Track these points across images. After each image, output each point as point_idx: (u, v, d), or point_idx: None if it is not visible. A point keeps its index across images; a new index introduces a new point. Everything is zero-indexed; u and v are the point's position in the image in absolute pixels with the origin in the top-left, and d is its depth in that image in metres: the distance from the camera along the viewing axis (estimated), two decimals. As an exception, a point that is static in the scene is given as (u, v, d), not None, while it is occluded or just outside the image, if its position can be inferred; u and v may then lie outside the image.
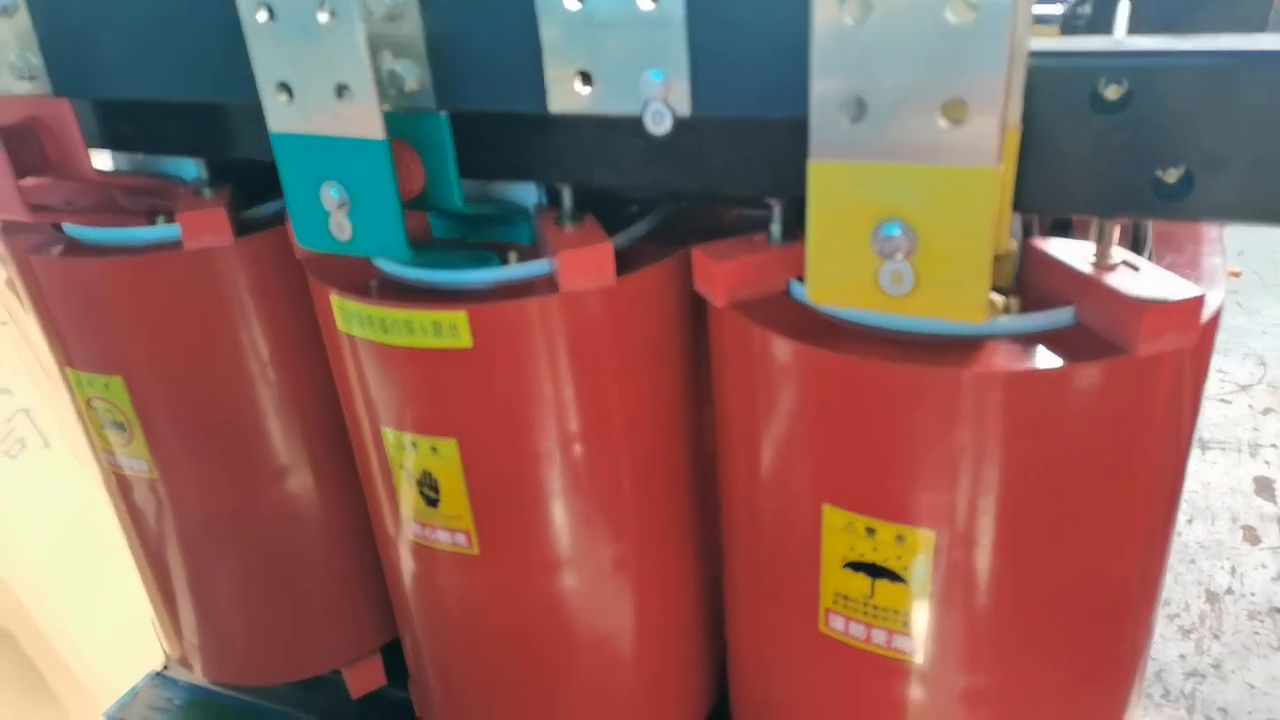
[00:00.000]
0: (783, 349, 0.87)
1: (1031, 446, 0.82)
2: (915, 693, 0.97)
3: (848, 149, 0.71)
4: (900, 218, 0.71)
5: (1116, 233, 0.84)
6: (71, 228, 1.27)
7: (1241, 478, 2.19)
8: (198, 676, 1.59)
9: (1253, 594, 1.97)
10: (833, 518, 0.90)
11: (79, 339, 1.27)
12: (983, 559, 0.87)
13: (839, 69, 0.69)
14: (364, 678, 1.56)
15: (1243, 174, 0.73)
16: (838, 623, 0.96)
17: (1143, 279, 0.81)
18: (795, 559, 0.97)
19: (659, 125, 0.83)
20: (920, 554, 0.88)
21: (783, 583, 1.00)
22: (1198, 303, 0.78)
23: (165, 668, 1.77)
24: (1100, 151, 0.76)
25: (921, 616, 0.91)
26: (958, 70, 0.66)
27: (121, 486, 1.41)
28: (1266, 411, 2.47)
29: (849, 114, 0.70)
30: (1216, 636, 1.86)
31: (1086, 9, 0.96)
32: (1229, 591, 1.97)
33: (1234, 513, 2.12)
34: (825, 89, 0.70)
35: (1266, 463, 2.32)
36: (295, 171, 0.93)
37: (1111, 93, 0.75)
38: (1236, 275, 3.59)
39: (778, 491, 0.97)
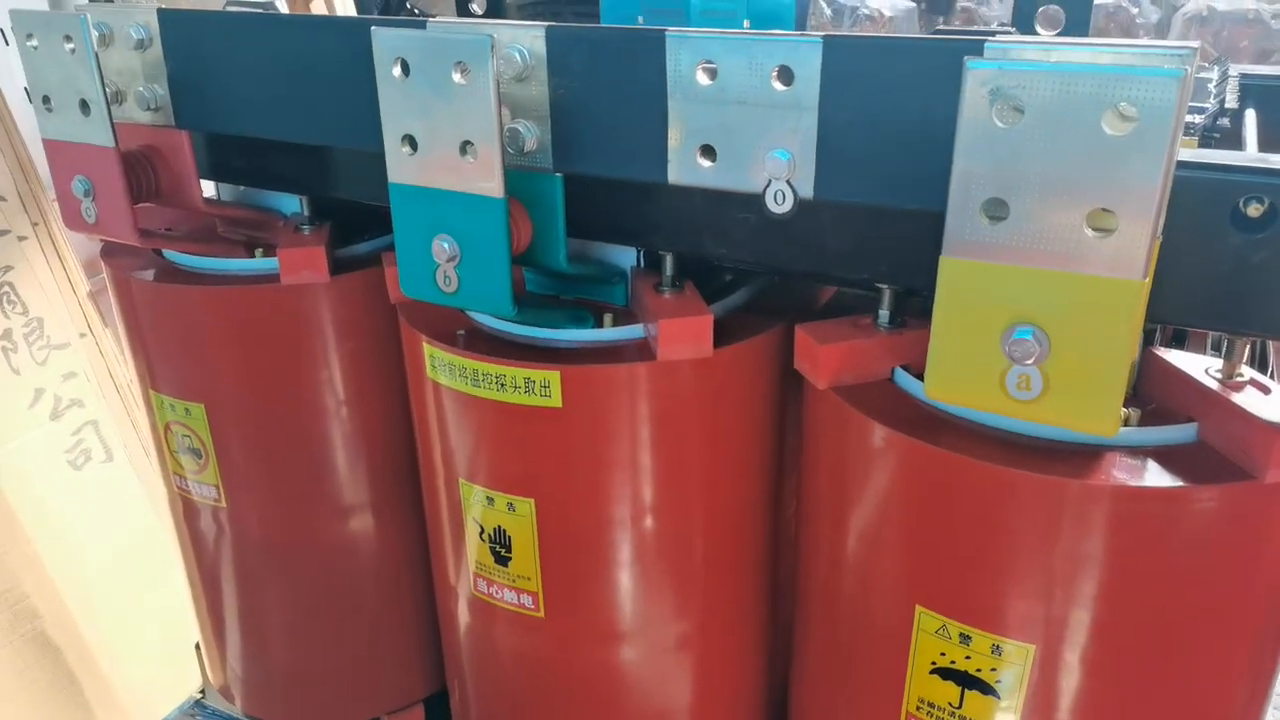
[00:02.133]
0: (888, 439, 0.85)
1: (1142, 566, 0.79)
2: (994, 810, 0.92)
3: (984, 249, 0.69)
4: (1034, 322, 0.69)
5: (1246, 351, 0.82)
6: (170, 253, 1.29)
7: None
8: (237, 708, 1.58)
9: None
10: (926, 620, 0.87)
11: (167, 363, 1.28)
12: (1082, 679, 0.83)
13: (983, 170, 0.68)
14: (404, 727, 1.54)
15: (1391, 305, 0.71)
16: (918, 727, 0.92)
17: (1274, 401, 0.78)
18: (879, 658, 0.93)
19: (780, 205, 0.83)
20: (1017, 667, 0.84)
21: (861, 680, 0.97)
22: (1332, 432, 0.75)
23: (203, 694, 1.75)
24: (1238, 268, 0.74)
25: (1010, 731, 0.87)
26: (1110, 181, 0.64)
27: (187, 511, 1.41)
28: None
29: (989, 214, 0.69)
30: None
31: (1225, 122, 0.95)
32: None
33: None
34: (967, 188, 0.69)
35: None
36: (409, 222, 0.94)
37: (1253, 210, 0.73)
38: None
39: (866, 585, 0.94)
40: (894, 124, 0.76)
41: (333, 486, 1.35)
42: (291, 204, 1.30)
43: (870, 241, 0.88)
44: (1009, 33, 0.78)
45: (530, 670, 1.18)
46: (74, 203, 1.15)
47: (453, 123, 0.86)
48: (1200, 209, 0.73)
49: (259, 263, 1.23)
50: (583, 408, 1.00)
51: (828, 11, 5.81)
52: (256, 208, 1.30)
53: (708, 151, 0.84)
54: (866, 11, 6.34)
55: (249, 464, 1.31)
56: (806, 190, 0.81)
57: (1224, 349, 0.82)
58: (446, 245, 0.92)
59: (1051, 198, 0.66)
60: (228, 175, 1.26)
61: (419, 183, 0.91)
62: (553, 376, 0.98)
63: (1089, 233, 0.66)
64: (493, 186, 0.87)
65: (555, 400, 0.99)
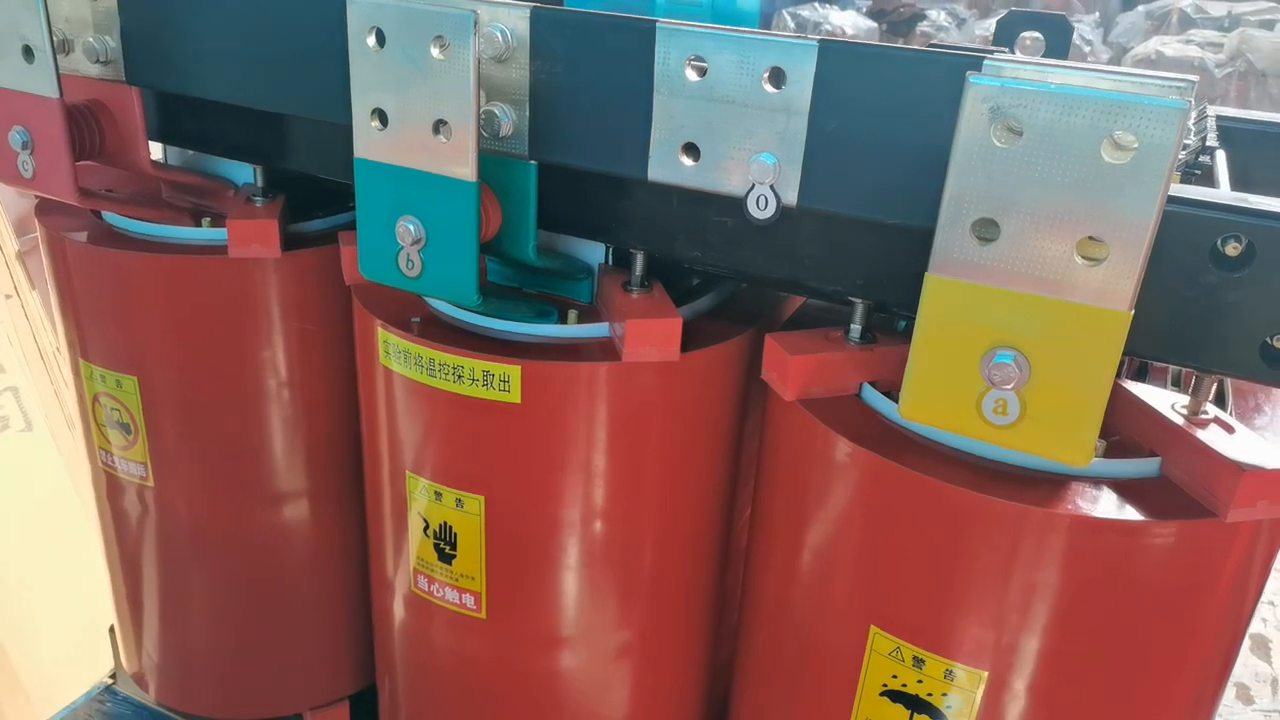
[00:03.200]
0: (853, 455, 0.84)
1: (1100, 598, 0.79)
2: (935, 836, 0.91)
3: (972, 270, 0.68)
4: (1016, 347, 0.68)
5: (1212, 388, 0.82)
6: (110, 216, 1.22)
7: (1238, 635, 2.15)
8: (150, 697, 1.51)
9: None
10: (880, 642, 0.86)
11: (100, 332, 1.22)
12: (1032, 708, 0.83)
13: (976, 189, 0.66)
14: (327, 723, 1.48)
15: (1361, 353, 0.71)
16: (864, 751, 0.91)
17: (1238, 441, 0.78)
18: (827, 677, 0.92)
19: (762, 211, 0.81)
20: (968, 692, 0.83)
21: (808, 699, 0.95)
22: (1295, 474, 0.75)
23: (114, 680, 1.67)
24: (1212, 306, 0.74)
25: (956, 758, 0.86)
26: (1104, 209, 0.64)
27: (111, 488, 1.34)
28: (1263, 569, 2.45)
29: (979, 234, 0.67)
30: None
31: (1207, 159, 0.95)
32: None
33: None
34: (959, 206, 0.67)
35: (1263, 620, 2.30)
36: (373, 200, 0.89)
37: (1232, 249, 0.73)
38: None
39: (819, 601, 0.92)
40: (885, 136, 0.75)
41: (268, 472, 1.29)
42: (244, 174, 1.24)
43: (848, 254, 0.87)
44: (1003, 52, 0.77)
45: (467, 672, 1.14)
46: (10, 155, 1.08)
47: (427, 99, 0.82)
48: (1180, 244, 0.73)
49: (206, 232, 1.17)
50: (542, 405, 0.97)
51: (790, 24, 5.85)
52: (206, 175, 1.24)
53: (690, 150, 0.82)
54: (829, 28, 6.41)
55: (181, 443, 1.25)
56: (790, 197, 0.79)
57: (1191, 385, 0.82)
58: (412, 227, 0.88)
59: (1044, 222, 0.65)
60: (178, 138, 1.20)
61: (387, 160, 0.87)
62: (513, 371, 0.95)
63: (1079, 260, 0.65)
64: (465, 170, 0.84)
65: (514, 396, 0.96)
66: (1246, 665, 2.16)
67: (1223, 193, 0.80)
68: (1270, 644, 2.23)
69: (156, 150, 1.28)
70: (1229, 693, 2.10)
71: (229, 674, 1.43)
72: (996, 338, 0.69)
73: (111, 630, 1.70)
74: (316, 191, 1.25)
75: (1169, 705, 0.86)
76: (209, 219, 1.19)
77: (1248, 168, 1.14)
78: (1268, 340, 0.73)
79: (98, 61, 1.07)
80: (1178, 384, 0.94)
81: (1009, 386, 0.69)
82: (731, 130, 0.80)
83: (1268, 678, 2.18)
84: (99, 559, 1.62)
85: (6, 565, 1.77)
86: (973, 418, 0.72)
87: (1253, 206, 0.72)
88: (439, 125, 0.83)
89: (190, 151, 1.28)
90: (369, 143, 0.87)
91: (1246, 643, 2.24)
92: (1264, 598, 2.38)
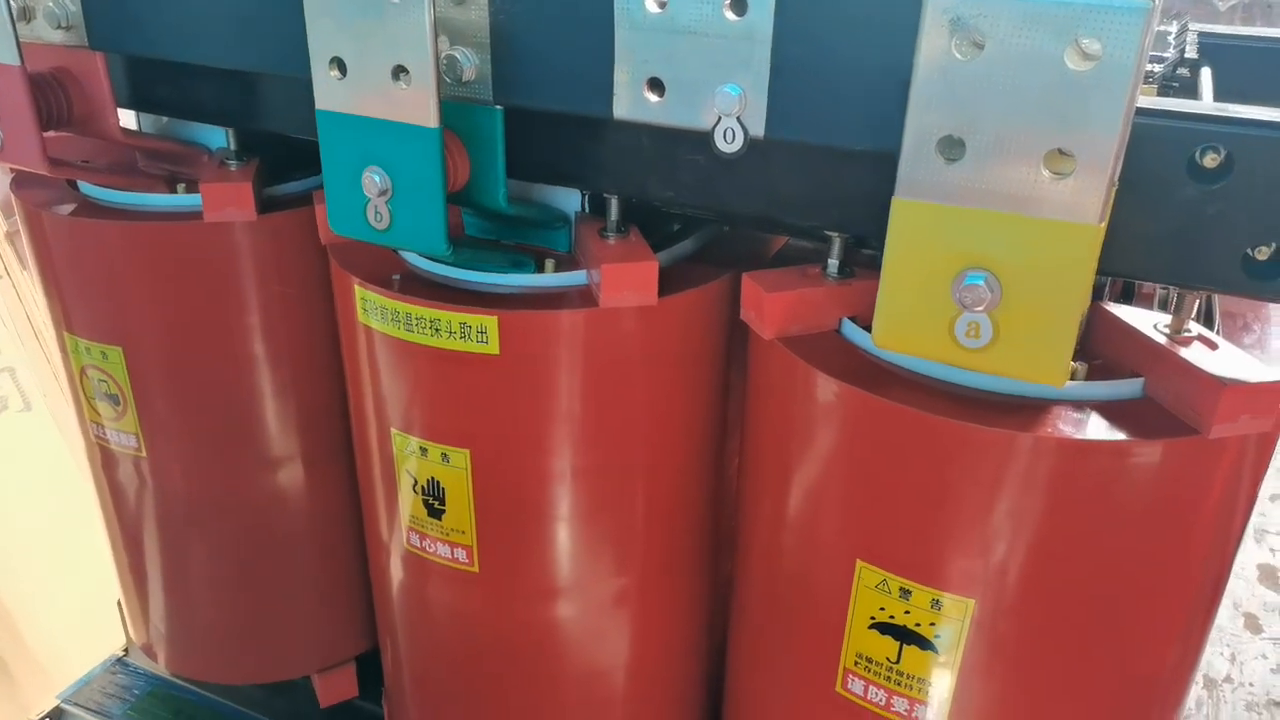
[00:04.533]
0: (833, 390, 0.83)
1: (1085, 520, 0.78)
2: (929, 766, 0.92)
3: (938, 190, 0.67)
4: (987, 268, 0.67)
5: (1195, 306, 0.80)
6: (87, 187, 1.21)
7: (1245, 564, 2.15)
8: (160, 666, 1.52)
9: (1251, 684, 1.93)
10: (866, 575, 0.86)
11: (82, 303, 1.21)
12: (1020, 633, 0.82)
13: (940, 106, 0.65)
14: (335, 686, 1.50)
15: (1343, 259, 0.69)
16: (857, 686, 0.91)
17: (1220, 357, 0.77)
18: (818, 613, 0.92)
19: (730, 144, 0.79)
20: (955, 621, 0.83)
21: (800, 637, 0.95)
22: (1278, 386, 0.74)
23: (126, 653, 1.69)
24: (1191, 221, 0.73)
25: (947, 687, 0.86)
26: (1071, 121, 0.62)
27: (105, 461, 1.34)
28: (1274, 498, 2.44)
29: (945, 154, 0.66)
30: (1204, 734, 1.83)
31: (1185, 72, 0.93)
32: (1228, 680, 1.93)
33: (1236, 599, 2.08)
34: (923, 125, 0.66)
35: (1272, 550, 2.29)
36: (338, 153, 0.88)
37: (1210, 161, 0.71)
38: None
39: (807, 539, 0.92)
40: (851, 59, 0.73)
41: (260, 436, 1.30)
42: (218, 138, 1.23)
43: (821, 187, 0.85)
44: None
45: (464, 627, 1.15)
46: (-23, 128, 1.07)
47: (385, 45, 0.81)
48: (1156, 158, 0.71)
49: (181, 198, 1.16)
50: (521, 355, 0.96)
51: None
52: (179, 141, 1.23)
53: (655, 85, 0.80)
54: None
55: (169, 411, 1.25)
56: (757, 128, 0.78)
57: (1173, 304, 0.81)
58: (378, 179, 0.87)
59: (1009, 137, 0.64)
60: (149, 104, 1.18)
61: (348, 110, 0.86)
62: (490, 322, 0.94)
63: (1045, 174, 0.64)
64: (427, 116, 0.82)
65: (493, 347, 0.95)
66: (1255, 595, 2.16)
67: (1200, 103, 0.78)
68: (1279, 574, 2.23)
69: (131, 120, 1.27)
70: (1238, 622, 2.09)
71: (235, 640, 1.45)
72: (967, 259, 0.67)
73: (120, 603, 1.72)
74: (292, 153, 1.24)
75: (1160, 626, 0.85)
76: (184, 185, 1.18)
77: (1242, 85, 1.12)
78: (1249, 252, 0.72)
79: (60, 27, 1.05)
80: (1165, 307, 0.93)
81: (980, 309, 0.68)
82: (695, 62, 0.78)
83: (1276, 606, 2.18)
84: (104, 533, 1.63)
85: (13, 544, 1.78)
86: (946, 343, 0.70)
87: (1230, 115, 0.70)
88: (398, 72, 0.82)
89: (164, 119, 1.27)
90: (329, 93, 0.86)
91: (1255, 573, 2.23)
92: (1275, 528, 2.37)
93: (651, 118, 0.81)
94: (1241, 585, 2.14)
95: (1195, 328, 0.81)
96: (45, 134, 1.07)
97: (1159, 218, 0.73)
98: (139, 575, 1.43)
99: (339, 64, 0.84)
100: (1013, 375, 0.70)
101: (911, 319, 0.71)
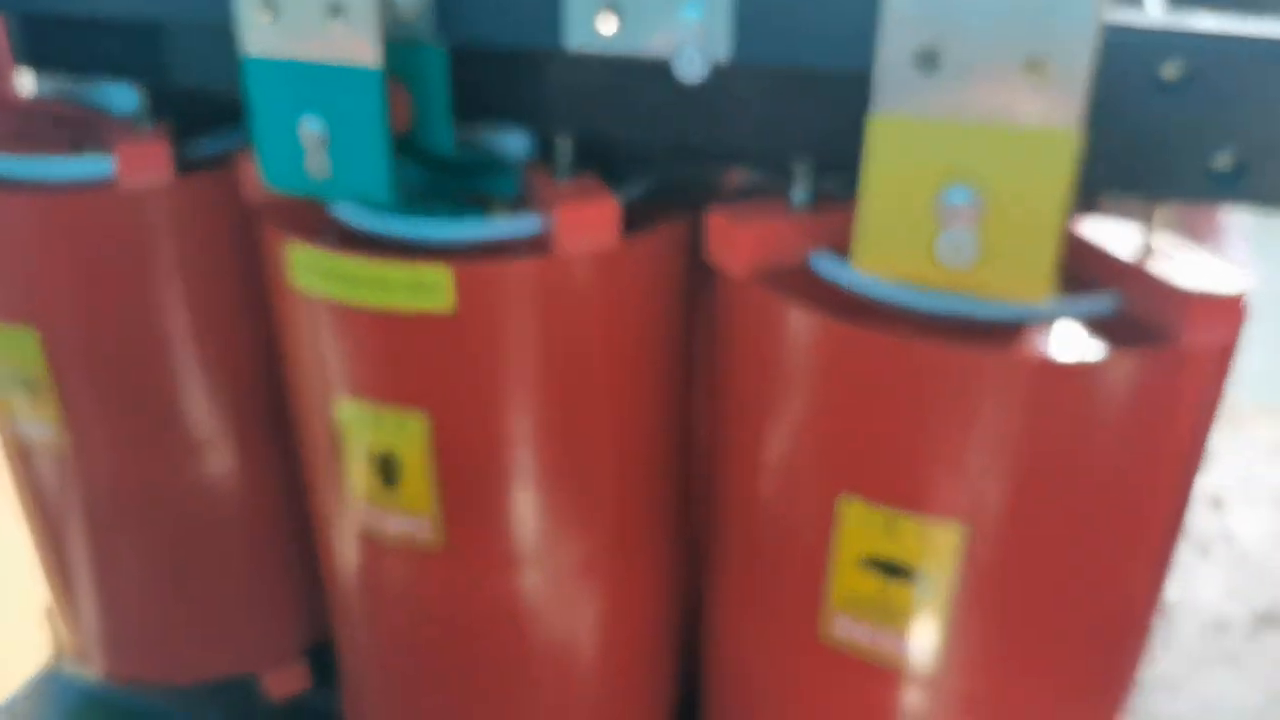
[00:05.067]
0: (810, 324, 0.81)
1: (1066, 436, 0.78)
2: (918, 698, 0.91)
3: (917, 104, 0.65)
4: (967, 181, 0.66)
5: (1162, 219, 0.81)
6: (-20, 159, 1.12)
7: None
8: (96, 672, 1.44)
9: (1203, 609, 2.01)
10: (851, 510, 0.84)
11: (-16, 284, 1.12)
12: (1009, 555, 0.82)
13: (915, 17, 0.63)
14: (286, 681, 1.44)
15: (1301, 162, 0.70)
16: (843, 623, 0.90)
17: (1187, 269, 0.77)
18: (802, 554, 0.90)
19: (691, 70, 0.76)
20: (943, 551, 0.82)
21: (785, 580, 0.94)
22: (1243, 296, 0.75)
23: (57, 663, 1.60)
24: (1157, 133, 0.73)
25: (935, 619, 0.86)
26: (1046, 24, 0.61)
27: (20, 455, 1.25)
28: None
29: (921, 66, 0.64)
30: (1168, 650, 1.88)
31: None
32: (1179, 605, 2.00)
33: (1186, 527, 2.15)
34: (897, 37, 0.64)
35: (1219, 479, 2.37)
36: (271, 101, 0.82)
37: (1170, 73, 0.71)
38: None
39: (788, 479, 0.90)
40: (814, -25, 0.71)
41: (187, 418, 1.22)
42: (123, 102, 1.14)
43: (785, 113, 0.83)
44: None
45: (427, 606, 1.11)
46: None
47: (319, -22, 0.75)
48: (1118, 70, 0.71)
49: (90, 164, 1.07)
50: (477, 310, 0.92)
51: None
52: (83, 104, 1.14)
53: (610, 10, 0.77)
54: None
55: (91, 396, 1.17)
56: (720, 52, 0.75)
57: (1142, 218, 0.81)
58: (316, 127, 0.81)
59: (985, 45, 0.62)
60: (48, 62, 1.09)
61: (280, 55, 0.80)
62: (443, 275, 0.89)
63: (1023, 81, 0.62)
64: (367, 56, 0.77)
65: (447, 302, 0.90)
66: (1204, 522, 2.24)
67: (1159, 16, 0.77)
68: (1224, 502, 2.32)
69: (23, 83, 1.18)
70: (1189, 551, 2.17)
71: (175, 638, 1.37)
72: (947, 174, 0.66)
73: (47, 611, 1.62)
74: (202, 113, 1.16)
75: (1138, 540, 0.86)
76: (90, 150, 1.10)
77: None
78: (1211, 161, 0.73)
79: (-58, -19, 0.96)
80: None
81: (963, 224, 0.66)
82: (651, -14, 0.74)
83: (1223, 532, 2.26)
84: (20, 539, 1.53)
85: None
86: (929, 263, 0.69)
87: (1189, 28, 0.71)
88: (335, 9, 0.76)
89: (60, 87, 1.18)
90: (258, 37, 0.80)
91: (1203, 501, 2.31)
92: (1220, 456, 2.45)
93: (609, 48, 0.78)
94: (1191, 513, 2.22)
95: (1162, 242, 0.81)
96: (-67, 100, 0.98)
97: (1124, 130, 0.73)
98: (67, 577, 1.34)
99: (269, 5, 0.78)
100: (997, 292, 0.69)
101: (894, 240, 0.69)
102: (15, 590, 1.70)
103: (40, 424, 1.19)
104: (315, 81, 0.80)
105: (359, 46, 0.77)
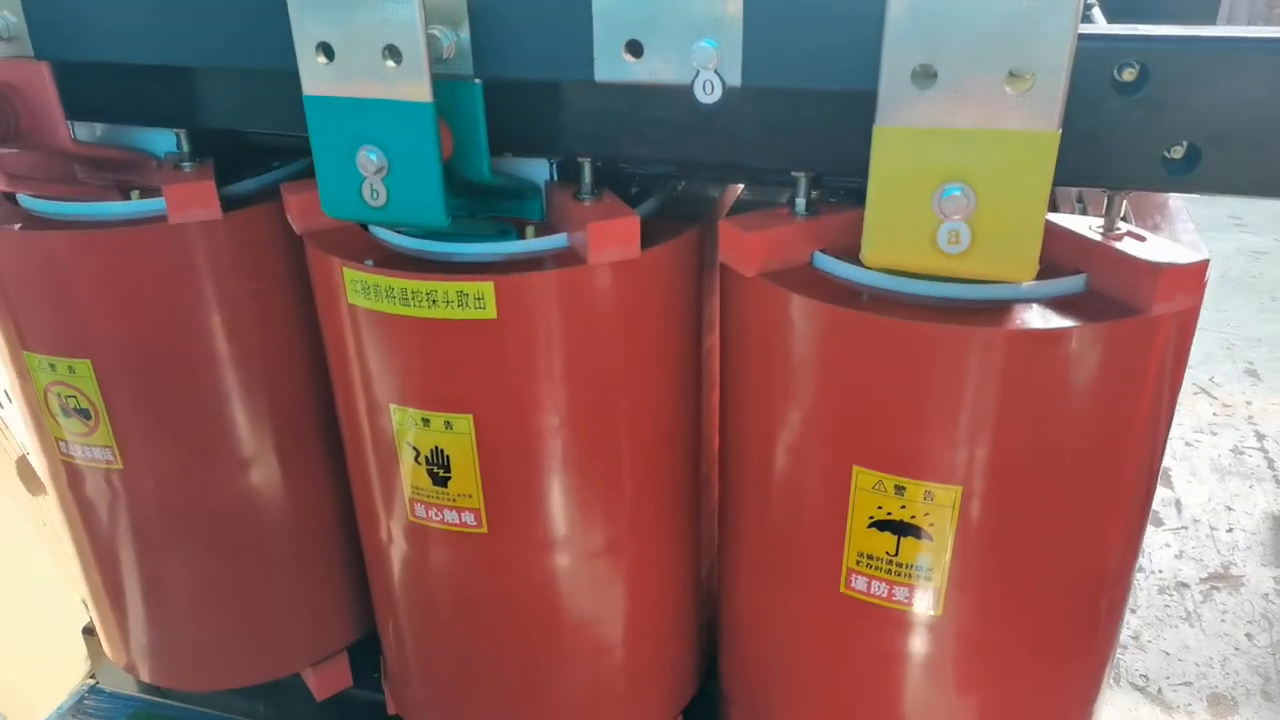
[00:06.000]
0: (818, 313, 0.91)
1: (1049, 402, 0.88)
2: (930, 647, 1.01)
3: (914, 114, 0.75)
4: (962, 179, 0.76)
5: (1123, 206, 0.92)
6: (28, 201, 1.19)
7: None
8: (144, 681, 1.50)
9: (1160, 571, 2.14)
10: (862, 479, 0.94)
11: (41, 320, 1.19)
12: (1001, 513, 0.93)
13: (912, 40, 0.73)
14: (329, 679, 1.51)
15: (1244, 150, 0.81)
16: (859, 583, 1.00)
17: (1151, 246, 0.88)
18: (818, 522, 1.00)
19: (709, 95, 0.86)
20: (946, 509, 0.92)
21: (802, 546, 1.04)
22: (1204, 265, 0.86)
23: (95, 680, 1.66)
24: (1117, 129, 0.83)
25: (942, 571, 0.96)
26: (1027, 42, 0.71)
27: (73, 479, 1.32)
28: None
29: (918, 82, 0.75)
30: (1133, 611, 2.02)
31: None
32: (1140, 569, 2.14)
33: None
34: (897, 58, 0.74)
35: (1169, 454, 2.53)
36: (329, 136, 0.91)
37: (1128, 75, 0.82)
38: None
39: (801, 457, 1.00)
40: (819, 4, 0.81)
41: (233, 436, 1.30)
42: (164, 145, 1.22)
43: (787, 129, 0.93)
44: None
45: (472, 588, 1.19)
46: (-78, 147, 1.04)
47: (374, 27, 0.84)
48: (1082, 75, 0.81)
49: (139, 205, 1.16)
50: (516, 317, 1.01)
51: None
52: (127, 149, 1.22)
53: (633, 47, 0.86)
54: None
55: (143, 420, 1.24)
56: (734, 78, 0.85)
57: (1104, 206, 0.92)
58: (374, 157, 0.90)
59: (975, 61, 0.73)
60: (95, 113, 1.17)
61: (338, 93, 0.89)
62: (485, 288, 0.99)
63: (1008, 90, 0.73)
64: (421, 92, 0.86)
65: (490, 311, 1.00)
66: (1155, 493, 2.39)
67: (1114, 25, 0.89)
68: (1171, 474, 2.46)
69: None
70: (1142, 515, 2.32)
71: (222, 645, 1.44)
72: (944, 174, 0.76)
73: (86, 631, 1.69)
74: (239, 155, 1.25)
75: (1121, 489, 0.97)
76: (137, 192, 1.17)
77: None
78: (1166, 152, 0.83)
79: (1, 39, 1.04)
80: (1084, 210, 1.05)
81: (959, 216, 0.77)
82: (671, 20, 0.84)
83: (1172, 501, 2.41)
84: (50, 569, 1.59)
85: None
86: (930, 252, 0.79)
87: (1142, 33, 0.82)
88: (390, 51, 0.85)
89: (99, 130, 1.26)
90: (317, 78, 0.89)
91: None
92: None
93: (634, 78, 0.87)
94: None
95: (1124, 225, 0.92)
96: (-5, 149, 1.05)
97: (1090, 130, 0.83)
98: (115, 592, 1.41)
99: (325, 49, 0.87)
100: (990, 275, 0.79)
101: (897, 234, 0.80)
102: (51, 611, 1.76)
103: (94, 448, 1.26)
104: (371, 116, 0.88)
105: (413, 84, 0.86)
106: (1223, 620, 2.04)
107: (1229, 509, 2.41)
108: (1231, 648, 1.97)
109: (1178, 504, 2.45)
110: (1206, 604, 2.08)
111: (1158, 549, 2.23)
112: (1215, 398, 2.92)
